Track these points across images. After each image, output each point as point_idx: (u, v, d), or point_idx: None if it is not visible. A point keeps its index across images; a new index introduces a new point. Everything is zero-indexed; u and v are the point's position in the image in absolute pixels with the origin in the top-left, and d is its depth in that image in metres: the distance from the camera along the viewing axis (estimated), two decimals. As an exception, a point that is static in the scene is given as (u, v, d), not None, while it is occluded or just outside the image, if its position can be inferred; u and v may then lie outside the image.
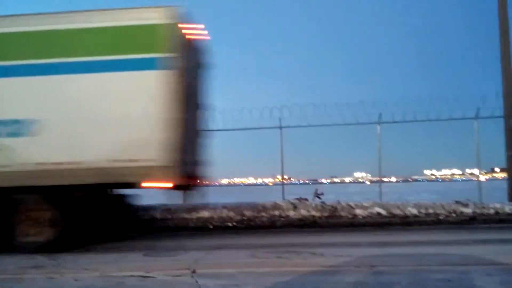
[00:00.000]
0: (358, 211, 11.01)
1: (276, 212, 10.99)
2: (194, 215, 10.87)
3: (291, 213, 10.98)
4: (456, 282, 4.71)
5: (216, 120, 13.42)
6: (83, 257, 7.10)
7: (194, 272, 5.53)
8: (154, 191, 8.28)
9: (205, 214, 10.90)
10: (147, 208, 11.19)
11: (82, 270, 5.85)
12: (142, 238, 9.39)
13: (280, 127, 13.76)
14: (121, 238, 8.95)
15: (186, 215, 10.90)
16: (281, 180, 14.80)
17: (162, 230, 10.30)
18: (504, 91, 13.13)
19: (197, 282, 5.01)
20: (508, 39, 13.20)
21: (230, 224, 10.68)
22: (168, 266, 5.97)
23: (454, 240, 7.92)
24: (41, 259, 6.88)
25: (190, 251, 7.29)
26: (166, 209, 11.12)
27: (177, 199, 10.75)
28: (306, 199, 12.41)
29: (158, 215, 10.87)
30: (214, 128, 13.43)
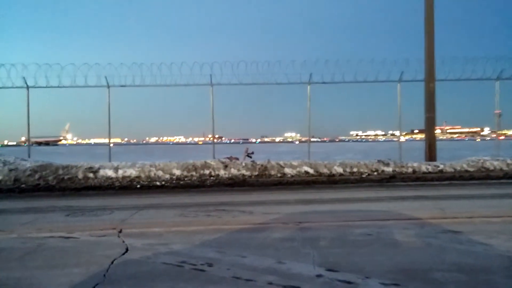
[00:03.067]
0: (287, 170, 11.25)
1: (207, 171, 10.90)
2: (120, 174, 10.45)
3: (222, 172, 10.95)
4: (375, 235, 4.96)
5: (143, 75, 12.90)
6: (-4, 219, 6.55)
7: (120, 231, 5.35)
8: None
9: (132, 173, 10.52)
10: (68, 167, 10.56)
11: (-2, 232, 5.40)
12: (62, 198, 8.90)
13: (211, 84, 13.48)
14: (39, 198, 8.40)
15: (111, 174, 10.45)
16: (212, 139, 14.67)
17: (84, 190, 9.83)
18: (426, 55, 13.83)
19: (123, 242, 4.83)
20: (432, 9, 13.78)
21: (158, 183, 10.43)
22: (92, 226, 5.71)
23: (375, 197, 8.35)
24: None
25: (116, 210, 7.03)
26: (89, 167, 10.57)
27: (102, 157, 10.25)
28: (237, 158, 12.44)
29: (80, 174, 10.31)
30: (139, 83, 12.89)
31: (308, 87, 13.76)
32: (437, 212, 6.43)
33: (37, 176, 10.07)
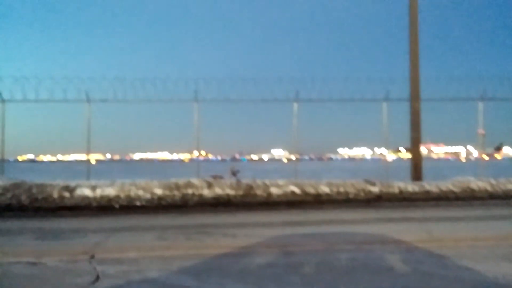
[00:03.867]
0: (273, 190, 11.02)
1: (190, 191, 10.61)
2: (98, 193, 10.07)
3: (205, 192, 10.67)
4: (361, 261, 4.78)
5: (125, 90, 12.67)
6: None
7: (92, 257, 5.04)
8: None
9: (110, 192, 10.15)
10: (42, 185, 10.17)
11: (-43, 257, 5.05)
12: (34, 219, 8.52)
13: (196, 101, 13.27)
14: (9, 219, 8.03)
15: (88, 193, 10.08)
16: (197, 157, 14.42)
17: (59, 210, 9.44)
18: (411, 76, 13.89)
19: (95, 268, 4.52)
20: (417, 28, 13.91)
21: (138, 204, 10.09)
22: (63, 251, 5.37)
23: (362, 219, 8.21)
24: None
25: (90, 233, 6.68)
26: (64, 186, 10.18)
27: (81, 175, 9.89)
28: (222, 177, 12.18)
29: (55, 193, 9.92)
30: (121, 98, 12.67)
31: (295, 104, 13.67)
32: (423, 235, 6.29)
33: (9, 195, 9.66)
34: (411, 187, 11.68)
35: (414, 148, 13.82)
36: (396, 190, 11.49)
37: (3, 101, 12.98)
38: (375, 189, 11.44)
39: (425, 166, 13.94)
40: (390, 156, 16.85)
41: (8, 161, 14.47)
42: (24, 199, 9.67)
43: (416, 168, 13.59)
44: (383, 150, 15.62)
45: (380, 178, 12.59)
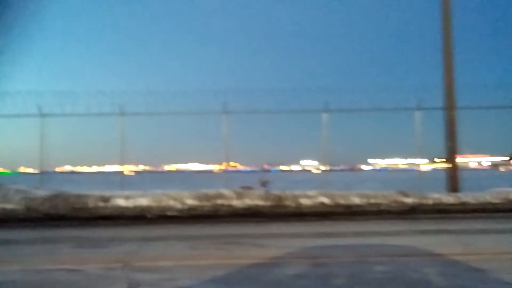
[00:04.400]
0: (303, 201, 10.97)
1: (219, 201, 10.70)
2: (131, 203, 10.33)
3: (235, 202, 10.74)
4: (394, 273, 4.65)
5: (157, 103, 12.98)
6: (5, 248, 6.55)
7: (127, 265, 5.15)
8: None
9: (143, 202, 10.39)
10: (79, 196, 10.52)
11: (3, 263, 5.31)
12: (72, 227, 8.82)
13: (225, 112, 13.42)
14: (48, 228, 8.36)
15: (122, 203, 10.35)
16: (226, 167, 14.54)
17: (95, 219, 9.73)
18: (445, 83, 13.56)
19: (129, 277, 4.63)
20: (450, 33, 13.61)
21: (170, 213, 10.27)
22: (99, 259, 5.54)
23: (395, 231, 8.02)
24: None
25: (124, 242, 6.86)
26: (100, 196, 10.50)
27: (114, 186, 10.17)
28: (251, 188, 12.24)
29: (91, 203, 10.24)
30: (152, 111, 12.98)
31: (324, 114, 13.59)
32: (460, 248, 6.08)
33: (48, 205, 10.05)
34: (447, 198, 11.34)
35: (449, 158, 13.45)
36: (431, 202, 11.18)
37: (43, 115, 13.53)
38: (408, 200, 11.18)
39: (462, 176, 13.52)
40: (425, 167, 16.42)
41: (48, 172, 15.05)
42: (62, 209, 10.04)
43: (452, 178, 13.21)
44: (417, 161, 15.26)
45: (414, 189, 12.29)
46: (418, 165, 14.83)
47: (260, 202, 10.83)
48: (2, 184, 12.04)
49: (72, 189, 12.41)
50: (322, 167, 15.31)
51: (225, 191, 11.17)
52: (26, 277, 4.66)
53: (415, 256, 5.60)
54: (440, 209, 10.83)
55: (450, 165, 13.38)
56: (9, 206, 10.16)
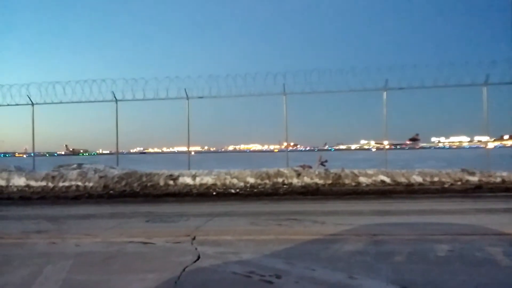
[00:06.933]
0: (362, 179, 10.92)
1: (280, 180, 10.94)
2: (198, 181, 10.87)
3: (295, 181, 10.92)
4: (457, 252, 4.58)
5: (219, 87, 13.35)
6: (86, 222, 7.11)
7: (194, 239, 5.52)
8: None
9: (208, 180, 10.89)
10: (150, 174, 11.21)
11: (83, 236, 5.86)
12: (145, 204, 9.45)
13: (285, 94, 13.53)
14: (122, 204, 8.96)
15: (189, 181, 10.91)
16: (286, 147, 14.70)
17: (165, 196, 10.35)
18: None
19: (196, 249, 4.97)
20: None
21: (233, 191, 10.67)
22: (169, 233, 5.95)
23: (458, 209, 7.79)
24: (44, 223, 6.94)
25: (191, 217, 7.30)
26: (169, 175, 11.13)
27: (183, 165, 10.72)
28: (310, 166, 12.34)
29: (161, 181, 10.90)
30: (215, 95, 13.36)
31: (384, 93, 13.27)
32: (530, 228, 5.79)
33: (123, 183, 10.83)
34: (516, 176, 10.78)
35: (520, 134, 12.65)
36: (499, 180, 10.69)
37: (116, 101, 14.49)
38: (473, 179, 10.76)
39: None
40: (492, 144, 15.55)
41: (122, 153, 16.14)
42: (135, 186, 10.79)
43: (523, 156, 12.45)
44: (483, 138, 14.49)
45: (480, 167, 11.76)
46: (486, 142, 14.07)
47: (319, 181, 10.93)
48: (83, 164, 13.11)
49: (143, 169, 13.24)
50: (382, 146, 15.01)
51: (285, 170, 11.38)
52: (103, 249, 5.12)
53: (480, 235, 5.44)
54: (509, 187, 10.33)
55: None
56: (89, 184, 11.09)
